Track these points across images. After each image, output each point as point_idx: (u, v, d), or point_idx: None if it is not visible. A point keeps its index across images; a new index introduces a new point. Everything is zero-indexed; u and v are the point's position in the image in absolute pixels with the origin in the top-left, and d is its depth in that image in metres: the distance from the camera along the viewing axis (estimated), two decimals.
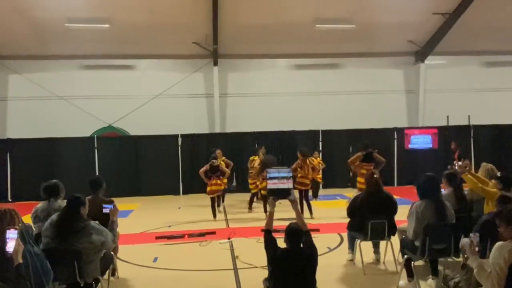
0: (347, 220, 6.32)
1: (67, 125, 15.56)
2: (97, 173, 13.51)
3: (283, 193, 4.45)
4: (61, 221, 4.29)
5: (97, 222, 4.52)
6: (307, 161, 10.08)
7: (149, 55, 16.27)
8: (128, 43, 15.49)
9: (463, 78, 17.19)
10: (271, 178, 4.59)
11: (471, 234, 3.94)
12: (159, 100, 16.47)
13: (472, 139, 15.52)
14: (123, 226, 7.71)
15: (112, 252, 5.19)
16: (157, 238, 8.16)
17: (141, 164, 14.76)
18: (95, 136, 15.23)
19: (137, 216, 11.10)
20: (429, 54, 16.99)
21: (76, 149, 14.50)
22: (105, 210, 4.81)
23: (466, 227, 4.99)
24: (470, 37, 16.02)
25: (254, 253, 6.67)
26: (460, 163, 6.30)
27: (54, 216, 4.45)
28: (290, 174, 4.65)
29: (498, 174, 5.80)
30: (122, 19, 14.43)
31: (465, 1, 14.39)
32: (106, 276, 5.02)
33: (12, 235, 3.09)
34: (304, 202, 9.75)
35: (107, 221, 4.76)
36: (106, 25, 14.58)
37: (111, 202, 5.21)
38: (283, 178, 4.57)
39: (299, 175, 9.78)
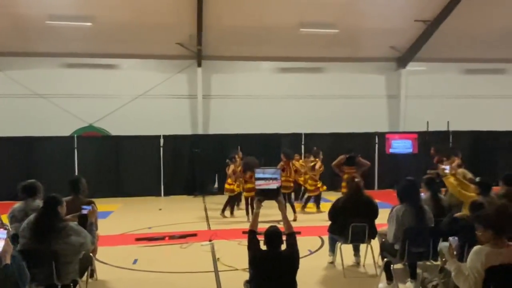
0: (329, 223, 6.36)
1: (47, 124, 15.28)
2: (76, 173, 13.29)
3: (271, 194, 4.44)
4: (39, 221, 4.21)
5: (75, 223, 4.45)
6: (290, 164, 10.13)
7: (132, 54, 16.10)
8: (111, 42, 15.31)
9: (443, 85, 17.52)
10: (258, 179, 4.59)
11: (449, 238, 4.01)
12: (141, 100, 16.32)
13: (451, 144, 15.79)
14: (103, 227, 7.61)
15: (91, 254, 5.12)
16: (137, 239, 8.06)
17: (122, 165, 14.57)
18: (75, 135, 14.99)
19: (117, 217, 10.96)
20: (410, 61, 17.27)
21: (55, 148, 14.23)
22: (84, 211, 4.74)
23: (443, 231, 5.09)
24: (450, 45, 16.34)
25: (235, 256, 6.66)
26: (443, 166, 6.40)
27: (31, 217, 4.37)
28: (276, 175, 4.65)
29: (477, 179, 5.92)
30: (105, 18, 14.27)
31: (446, 9, 14.67)
32: (84, 278, 4.94)
33: (1, 235, 3.03)
34: (288, 205, 9.79)
35: (86, 222, 4.69)
36: (89, 24, 14.39)
37: (90, 203, 5.14)
38: (269, 178, 4.56)
39: (282, 178, 9.79)
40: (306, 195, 11.38)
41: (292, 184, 10.29)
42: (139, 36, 15.05)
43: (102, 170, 14.28)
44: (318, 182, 10.94)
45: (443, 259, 5.01)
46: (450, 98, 17.31)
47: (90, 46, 15.47)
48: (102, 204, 12.55)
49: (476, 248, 3.41)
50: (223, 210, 10.64)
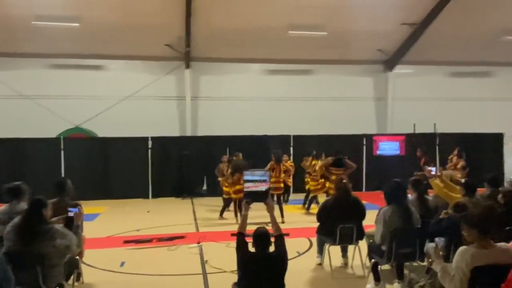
0: (317, 224, 6.38)
1: (33, 125, 15.10)
2: (63, 175, 13.14)
3: (259, 196, 4.45)
4: (24, 224, 4.16)
5: (61, 225, 4.40)
6: (280, 165, 10.18)
7: (120, 55, 15.99)
8: (98, 43, 15.19)
9: (429, 87, 17.71)
10: (246, 181, 4.60)
11: (436, 239, 4.06)
12: (129, 101, 16.21)
13: (437, 146, 15.97)
14: (90, 229, 7.54)
15: (77, 257, 5.06)
16: (124, 242, 8.00)
17: (109, 167, 14.45)
18: (62, 137, 14.83)
19: (105, 220, 10.86)
20: (397, 63, 17.44)
21: (42, 150, 14.06)
22: (70, 214, 4.69)
23: (430, 232, 5.14)
24: (436, 48, 16.53)
25: (224, 258, 6.64)
26: (430, 168, 6.48)
27: (16, 219, 4.31)
28: (265, 178, 4.65)
29: (462, 180, 6.00)
30: (93, 18, 14.15)
31: (432, 13, 14.85)
32: (70, 281, 4.89)
33: None
34: (277, 206, 9.79)
35: (72, 224, 4.64)
36: (76, 24, 14.25)
37: (77, 205, 5.09)
38: (258, 181, 4.57)
39: (272, 180, 9.82)
40: (310, 196, 11.37)
41: (282, 185, 10.31)
42: (127, 37, 14.96)
43: (89, 172, 14.15)
44: (321, 180, 10.94)
45: (430, 260, 5.06)
46: (437, 101, 17.51)
47: (78, 47, 15.33)
48: (89, 207, 12.46)
49: (461, 248, 3.45)
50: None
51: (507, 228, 4.18)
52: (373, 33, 15.66)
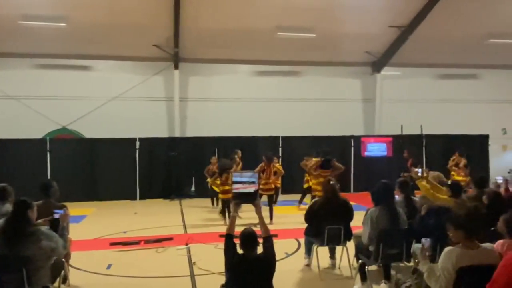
0: (305, 225, 6.40)
1: (19, 126, 14.89)
2: (49, 177, 12.98)
3: (248, 197, 4.46)
4: (8, 226, 4.10)
5: (47, 227, 4.35)
6: (271, 166, 10.19)
7: (108, 56, 15.86)
8: (85, 43, 15.05)
9: (416, 89, 17.89)
10: (235, 183, 4.61)
11: (422, 239, 4.10)
12: (117, 102, 16.08)
13: (424, 148, 16.14)
14: (76, 231, 7.47)
15: (63, 259, 5.00)
16: (111, 244, 7.93)
17: (96, 168, 14.32)
18: (48, 138, 14.65)
19: (91, 222, 10.75)
20: (385, 65, 17.58)
21: (28, 151, 13.86)
22: (56, 216, 4.64)
23: (417, 233, 5.19)
24: (423, 50, 16.70)
25: (212, 259, 6.63)
26: (416, 169, 6.55)
27: (1, 221, 4.25)
28: (253, 179, 4.67)
29: (449, 181, 6.07)
30: (80, 18, 14.02)
31: (419, 16, 15.00)
32: (56, 284, 4.83)
33: None
34: (267, 207, 9.83)
35: (58, 226, 4.59)
36: (63, 24, 14.10)
37: (63, 207, 5.04)
38: (247, 182, 4.59)
39: (262, 181, 9.83)
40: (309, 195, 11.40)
41: (273, 186, 10.30)
42: (114, 38, 14.85)
43: (76, 174, 14.00)
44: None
45: (416, 261, 5.12)
46: (424, 103, 17.69)
47: (64, 47, 15.17)
48: (75, 208, 12.33)
49: (447, 249, 3.49)
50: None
51: (492, 228, 4.24)
52: (361, 35, 15.78)
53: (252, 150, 15.03)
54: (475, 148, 16.42)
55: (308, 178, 11.44)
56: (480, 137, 16.48)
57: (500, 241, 3.64)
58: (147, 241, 8.04)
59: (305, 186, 11.90)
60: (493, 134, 17.23)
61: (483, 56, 17.43)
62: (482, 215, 4.07)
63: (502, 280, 2.77)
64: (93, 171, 14.29)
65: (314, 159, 11.22)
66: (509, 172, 17.61)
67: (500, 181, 7.18)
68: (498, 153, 18.12)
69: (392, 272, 5.50)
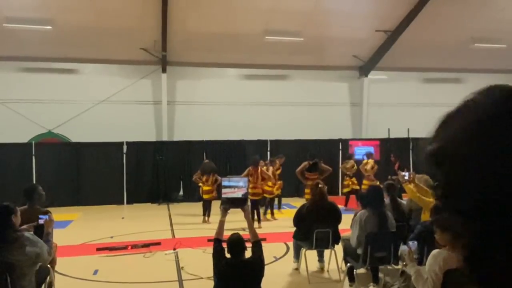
0: (293, 229, 6.40)
1: (3, 130, 14.65)
2: (34, 181, 12.79)
3: (237, 202, 4.44)
4: None
5: (31, 233, 4.28)
6: (258, 170, 10.16)
7: (94, 59, 15.73)
8: (72, 46, 14.90)
9: (403, 93, 18.07)
10: (224, 187, 4.60)
11: (409, 242, 4.12)
12: (103, 106, 15.94)
13: (411, 151, 16.29)
14: (62, 237, 7.36)
15: (49, 265, 4.92)
16: (98, 249, 7.83)
17: (82, 172, 14.15)
18: (33, 142, 14.45)
19: (77, 227, 10.61)
20: (372, 69, 17.73)
21: (12, 155, 13.66)
22: (40, 221, 4.57)
23: (404, 236, 5.23)
24: (410, 55, 16.90)
25: (200, 264, 6.58)
26: (403, 173, 6.59)
27: None
28: (242, 184, 4.65)
29: (434, 184, 6.11)
30: (66, 21, 13.88)
31: (405, 20, 15.18)
32: None
33: None
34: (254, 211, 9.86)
35: (43, 232, 4.52)
36: (49, 27, 13.95)
37: (47, 212, 4.96)
38: (235, 186, 4.57)
39: (250, 185, 9.84)
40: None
41: (260, 191, 10.28)
42: (101, 41, 14.73)
43: (62, 178, 13.83)
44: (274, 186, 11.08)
45: (404, 263, 5.14)
46: (410, 106, 17.86)
47: (50, 50, 14.99)
48: (61, 213, 12.15)
49: (434, 251, 3.51)
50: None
51: None
52: (349, 39, 15.89)
53: (240, 154, 15.04)
54: None
55: (349, 182, 11.73)
56: None
57: None
58: (135, 246, 7.96)
59: (345, 190, 12.27)
60: None
61: (467, 60, 17.70)
62: None
63: None
64: (79, 175, 14.13)
65: (352, 162, 11.66)
66: None
67: None
68: None
69: (380, 275, 5.53)
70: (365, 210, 5.23)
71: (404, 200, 6.37)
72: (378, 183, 11.15)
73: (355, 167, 12.96)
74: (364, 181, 11.76)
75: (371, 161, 12.06)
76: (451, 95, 18.96)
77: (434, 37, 16.00)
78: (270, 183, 10.77)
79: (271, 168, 11.08)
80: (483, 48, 16.71)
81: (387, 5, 14.49)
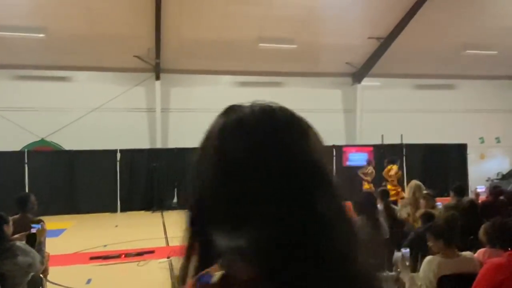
0: None
1: None
2: (27, 190, 12.70)
3: None
4: None
5: (23, 242, 4.24)
6: None
7: (88, 67, 15.70)
8: (65, 54, 14.87)
9: (396, 99, 18.17)
10: None
11: (402, 249, 4.13)
12: (97, 113, 15.88)
13: (404, 157, 16.36)
14: (55, 246, 7.29)
15: (41, 275, 4.87)
16: (91, 258, 7.77)
17: (76, 180, 14.07)
18: (26, 150, 14.35)
19: (71, 235, 10.53)
20: (365, 76, 17.83)
21: (5, 164, 13.56)
22: (33, 230, 4.53)
23: (398, 243, 5.22)
24: (402, 61, 17.02)
25: None
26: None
27: None
28: None
29: (425, 191, 6.15)
30: (59, 29, 13.87)
31: (397, 27, 15.31)
32: None
33: None
34: None
35: (35, 241, 4.48)
36: (42, 35, 13.92)
37: (40, 221, 4.92)
38: None
39: None
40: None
41: None
42: (94, 48, 14.72)
43: (55, 186, 13.74)
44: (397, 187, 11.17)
45: (398, 270, 5.14)
46: (403, 112, 17.96)
47: (43, 58, 14.95)
48: (54, 222, 12.02)
49: (428, 258, 3.52)
50: None
51: (471, 237, 4.30)
52: (342, 46, 15.99)
53: None
54: (453, 157, 16.71)
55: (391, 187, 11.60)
56: (458, 146, 16.81)
57: (482, 250, 3.68)
58: (128, 255, 7.91)
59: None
60: (471, 143, 17.62)
61: (460, 66, 17.87)
62: (459, 224, 4.12)
63: (482, 287, 2.81)
64: (72, 183, 14.05)
65: (394, 167, 11.57)
66: (487, 181, 17.97)
67: (481, 190, 7.29)
68: (476, 162, 18.51)
69: None
70: (359, 218, 5.24)
71: (396, 207, 6.39)
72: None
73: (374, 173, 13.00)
74: (389, 186, 11.57)
75: (395, 167, 11.85)
76: (444, 101, 19.27)
77: (426, 43, 16.15)
78: None
79: None
80: (474, 55, 16.88)
81: (380, 12, 14.62)
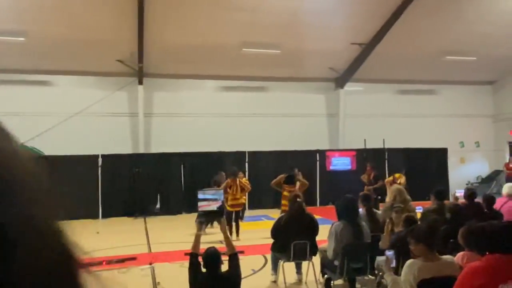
0: (272, 241, 6.37)
1: None
2: None
3: (213, 215, 4.42)
4: None
5: None
6: (237, 181, 10.11)
7: (69, 71, 15.49)
8: (45, 58, 14.65)
9: (378, 104, 18.38)
10: (200, 200, 4.56)
11: (386, 252, 4.16)
12: (78, 118, 15.66)
13: (386, 161, 16.54)
14: None
15: None
16: None
17: (56, 186, 13.78)
18: None
19: None
20: (348, 81, 18.00)
21: None
22: None
23: (379, 246, 5.26)
24: (384, 67, 17.24)
25: (177, 279, 6.46)
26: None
27: None
28: (217, 196, 4.62)
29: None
30: (40, 33, 13.65)
31: (379, 33, 15.51)
32: None
33: None
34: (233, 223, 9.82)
35: None
36: (22, 38, 13.69)
37: None
38: (210, 199, 4.54)
39: (229, 197, 9.82)
40: None
41: (239, 202, 10.22)
42: (76, 52, 14.53)
43: None
44: None
45: (380, 274, 5.18)
46: (385, 117, 18.18)
47: (23, 62, 14.70)
48: None
49: (409, 261, 3.55)
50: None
51: (451, 240, 4.35)
52: (325, 51, 16.13)
53: (218, 165, 14.95)
54: (434, 161, 16.95)
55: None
56: (439, 150, 17.07)
57: (460, 254, 3.73)
58: (109, 262, 7.77)
59: None
60: (452, 147, 17.91)
61: (440, 72, 18.18)
62: (441, 228, 4.17)
63: None
64: (52, 189, 13.76)
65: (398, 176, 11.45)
66: (467, 184, 18.27)
67: (460, 194, 7.43)
68: (457, 166, 18.82)
69: (358, 286, 5.55)
70: (340, 222, 5.26)
71: (378, 211, 6.44)
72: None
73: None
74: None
75: (403, 177, 11.77)
76: (425, 106, 19.56)
77: (407, 49, 16.39)
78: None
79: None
80: (454, 61, 17.20)
81: (362, 18, 14.79)
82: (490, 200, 6.18)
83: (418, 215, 6.04)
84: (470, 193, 6.42)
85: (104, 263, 7.74)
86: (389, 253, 4.21)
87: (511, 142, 19.48)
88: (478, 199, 6.62)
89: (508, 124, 19.22)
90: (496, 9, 14.64)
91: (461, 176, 18.66)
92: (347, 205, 5.35)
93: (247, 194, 11.74)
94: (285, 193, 9.85)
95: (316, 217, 6.46)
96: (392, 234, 5.80)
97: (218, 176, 11.25)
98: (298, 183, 11.29)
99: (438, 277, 3.41)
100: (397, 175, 11.83)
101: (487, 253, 2.76)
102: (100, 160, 14.21)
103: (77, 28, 13.68)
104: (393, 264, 4.20)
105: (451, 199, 10.96)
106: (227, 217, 9.84)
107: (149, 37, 14.38)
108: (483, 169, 19.79)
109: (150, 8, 13.30)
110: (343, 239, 5.12)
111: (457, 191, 8.47)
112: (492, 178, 19.18)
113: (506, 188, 6.74)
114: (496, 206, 6.31)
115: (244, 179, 12.01)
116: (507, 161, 17.63)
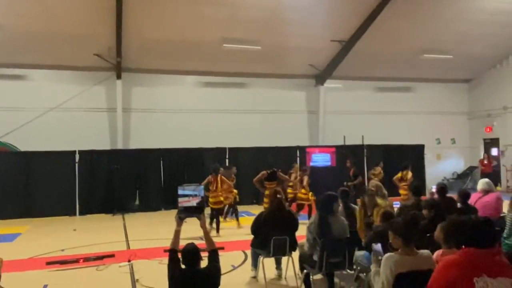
0: (252, 237, 6.39)
1: None
2: None
3: (192, 211, 4.38)
4: None
5: None
6: (218, 178, 10.03)
7: (45, 65, 15.13)
8: (20, 52, 14.27)
9: (357, 101, 18.58)
10: (180, 196, 4.53)
11: (373, 244, 4.26)
12: (55, 113, 15.34)
13: (365, 157, 16.74)
14: (9, 251, 7.00)
15: None
16: (47, 263, 7.48)
17: (32, 183, 13.51)
18: None
19: (26, 240, 10.10)
20: (328, 78, 18.13)
21: None
22: None
23: (358, 241, 5.34)
24: (363, 64, 17.42)
25: (156, 275, 6.43)
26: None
27: None
28: (197, 192, 4.60)
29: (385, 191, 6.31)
30: (15, 26, 13.28)
31: (359, 31, 15.65)
32: None
33: None
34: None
35: None
36: None
37: None
38: (190, 195, 4.52)
39: (211, 194, 9.77)
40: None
41: (221, 199, 10.14)
42: (52, 46, 14.21)
43: (9, 189, 13.16)
44: (309, 194, 11.05)
45: (358, 268, 5.25)
46: (364, 114, 18.39)
47: None
48: (8, 226, 11.57)
49: (387, 255, 3.60)
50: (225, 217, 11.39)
51: (428, 235, 4.43)
52: (305, 48, 16.19)
53: (198, 161, 14.90)
54: (411, 157, 17.22)
55: (404, 192, 11.40)
56: (416, 146, 17.36)
57: (439, 251, 3.79)
58: (87, 259, 7.67)
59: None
60: (428, 144, 18.25)
61: (417, 70, 18.48)
62: (419, 223, 4.25)
63: (437, 284, 2.89)
64: (28, 186, 13.48)
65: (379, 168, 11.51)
66: (443, 180, 18.66)
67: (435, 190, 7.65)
68: (433, 162, 19.19)
69: (336, 280, 5.61)
70: (315, 216, 5.36)
71: (355, 206, 6.51)
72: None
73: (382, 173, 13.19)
74: (401, 191, 11.62)
75: (410, 173, 11.73)
76: (402, 104, 19.88)
77: (386, 47, 16.60)
78: (303, 191, 10.96)
79: (306, 178, 11.15)
80: (431, 59, 17.51)
81: (342, 16, 14.89)
82: (465, 195, 6.32)
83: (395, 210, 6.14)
84: (440, 188, 6.57)
85: (81, 260, 7.63)
86: (376, 245, 4.30)
87: (486, 139, 19.97)
88: (453, 195, 6.77)
89: (483, 121, 19.70)
90: (473, 7, 14.94)
91: (438, 172, 19.06)
92: (322, 200, 5.41)
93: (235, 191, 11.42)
94: (267, 191, 9.95)
95: (296, 214, 6.50)
96: (365, 217, 5.94)
97: (229, 170, 11.47)
98: (293, 176, 11.47)
99: (415, 271, 3.47)
100: (404, 172, 11.90)
101: (463, 246, 2.82)
102: (77, 156, 13.95)
103: (53, 21, 13.37)
104: (381, 257, 4.28)
105: (428, 195, 11.21)
106: (210, 214, 9.81)
107: (128, 31, 14.17)
108: (458, 165, 20.24)
109: (129, 1, 13.10)
110: (312, 233, 5.20)
111: (433, 187, 8.66)
112: (467, 174, 19.64)
113: (480, 184, 6.90)
114: (471, 201, 6.46)
115: (231, 178, 11.59)
116: (482, 157, 18.06)
